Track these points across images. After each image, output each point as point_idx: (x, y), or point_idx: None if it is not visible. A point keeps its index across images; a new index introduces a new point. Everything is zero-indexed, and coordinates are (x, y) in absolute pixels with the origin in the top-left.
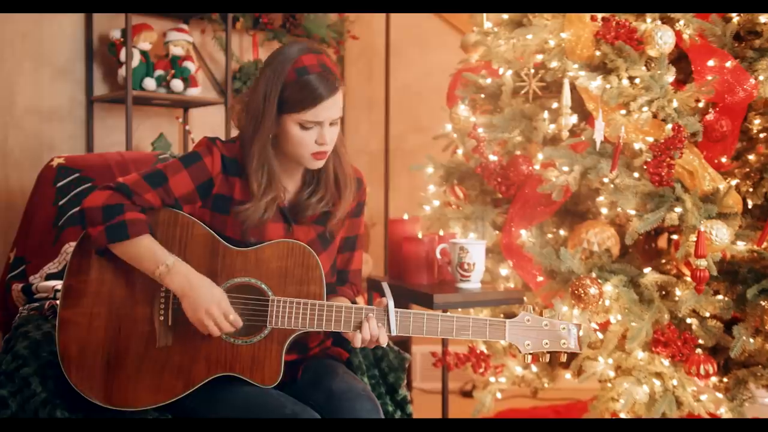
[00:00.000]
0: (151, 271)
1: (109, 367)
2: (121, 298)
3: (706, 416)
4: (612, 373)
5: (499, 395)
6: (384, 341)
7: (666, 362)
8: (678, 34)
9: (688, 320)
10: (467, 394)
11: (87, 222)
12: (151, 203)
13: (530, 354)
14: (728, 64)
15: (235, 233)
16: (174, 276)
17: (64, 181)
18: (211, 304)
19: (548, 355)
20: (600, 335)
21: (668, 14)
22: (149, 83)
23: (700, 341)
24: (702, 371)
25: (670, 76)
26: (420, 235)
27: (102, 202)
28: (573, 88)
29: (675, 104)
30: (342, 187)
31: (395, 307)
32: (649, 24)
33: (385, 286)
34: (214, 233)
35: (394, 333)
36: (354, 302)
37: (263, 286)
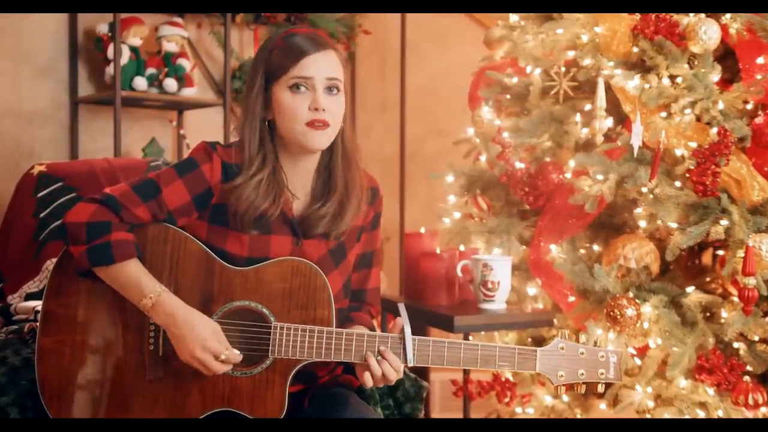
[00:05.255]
0: (136, 301)
1: (94, 401)
2: (107, 324)
3: None
4: (651, 403)
5: None
6: (399, 375)
7: (711, 391)
8: (724, 29)
9: (735, 344)
10: None
11: (69, 239)
12: (141, 218)
13: (563, 385)
14: None
15: (236, 248)
16: (160, 310)
17: (46, 191)
18: (196, 347)
19: (584, 386)
20: (638, 361)
21: None
22: (140, 83)
23: (749, 368)
24: (750, 401)
25: (716, 75)
26: (439, 251)
27: (87, 217)
28: (608, 88)
29: (721, 106)
30: (349, 193)
31: (412, 333)
32: (692, 17)
33: (402, 308)
34: (209, 250)
35: (411, 364)
36: (373, 329)
37: (265, 310)
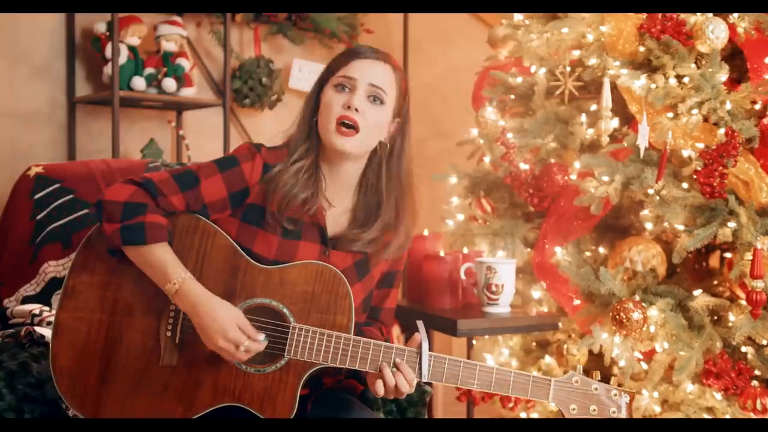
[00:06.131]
0: (161, 285)
1: (105, 380)
2: (127, 305)
3: None
4: (658, 408)
5: None
6: (411, 390)
7: (718, 396)
8: (732, 28)
9: (743, 349)
10: None
11: (104, 216)
12: (176, 207)
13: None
14: None
15: (263, 249)
16: (183, 297)
17: (43, 193)
18: (218, 337)
19: None
20: (644, 365)
21: None
22: (138, 83)
23: (757, 372)
24: (759, 406)
25: (723, 75)
26: (442, 254)
27: (125, 197)
28: (614, 88)
29: (728, 106)
30: (399, 221)
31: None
32: (699, 16)
33: (421, 325)
34: (237, 246)
35: (425, 379)
36: None
37: (285, 310)
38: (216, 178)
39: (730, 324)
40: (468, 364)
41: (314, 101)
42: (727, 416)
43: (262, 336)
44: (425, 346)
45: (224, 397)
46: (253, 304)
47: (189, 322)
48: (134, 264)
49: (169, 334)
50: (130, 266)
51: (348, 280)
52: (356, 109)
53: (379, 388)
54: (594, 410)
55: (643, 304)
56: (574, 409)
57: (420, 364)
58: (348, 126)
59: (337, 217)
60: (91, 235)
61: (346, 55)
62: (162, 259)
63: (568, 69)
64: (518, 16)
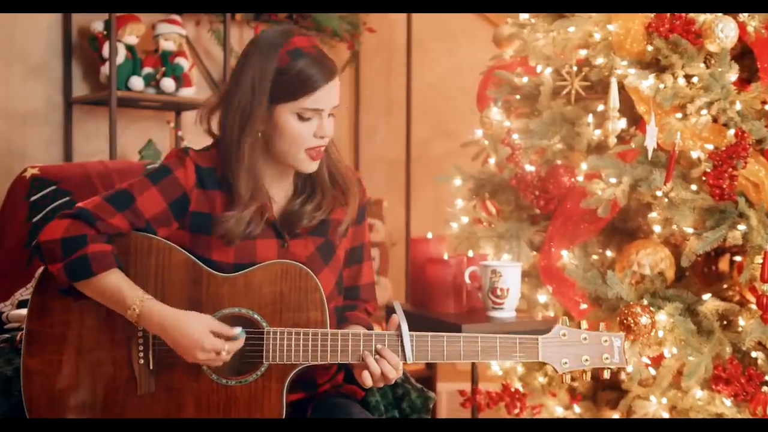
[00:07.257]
0: (122, 312)
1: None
2: (94, 340)
3: None
4: (666, 415)
5: None
6: (399, 374)
7: (728, 402)
8: (741, 27)
9: (753, 354)
10: None
11: (46, 258)
12: (118, 228)
13: (569, 373)
14: None
15: (222, 255)
16: (146, 319)
17: (39, 195)
18: (196, 351)
19: (589, 374)
20: (652, 371)
21: None
22: (136, 82)
23: (767, 378)
24: None
25: (733, 75)
26: (446, 257)
27: (60, 233)
28: (621, 88)
29: (738, 106)
30: (345, 190)
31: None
32: (708, 15)
33: (397, 305)
34: (195, 259)
35: (410, 361)
36: (370, 327)
37: (256, 316)
38: (151, 191)
39: (740, 329)
40: (451, 337)
41: (265, 116)
42: None
43: (238, 329)
44: (404, 326)
45: (209, 414)
46: (222, 316)
47: (160, 345)
48: (90, 298)
49: (141, 361)
50: (87, 301)
51: (315, 267)
52: (325, 136)
53: (366, 379)
54: (586, 360)
55: (651, 308)
56: (565, 363)
57: (402, 346)
58: (318, 152)
59: (280, 204)
60: (41, 277)
61: (303, 84)
62: (116, 285)
63: (575, 69)
64: (524, 15)
